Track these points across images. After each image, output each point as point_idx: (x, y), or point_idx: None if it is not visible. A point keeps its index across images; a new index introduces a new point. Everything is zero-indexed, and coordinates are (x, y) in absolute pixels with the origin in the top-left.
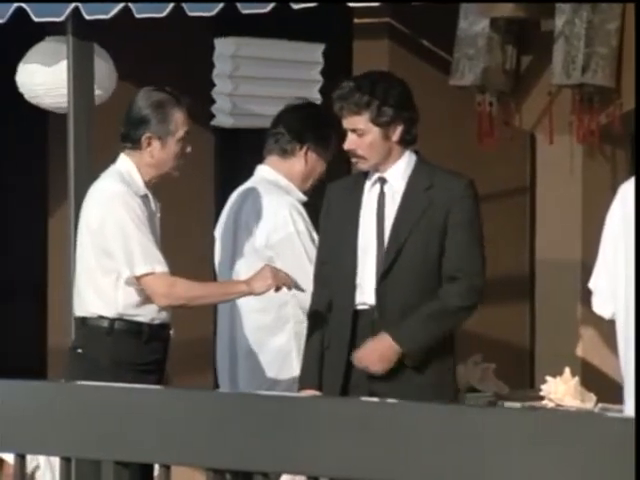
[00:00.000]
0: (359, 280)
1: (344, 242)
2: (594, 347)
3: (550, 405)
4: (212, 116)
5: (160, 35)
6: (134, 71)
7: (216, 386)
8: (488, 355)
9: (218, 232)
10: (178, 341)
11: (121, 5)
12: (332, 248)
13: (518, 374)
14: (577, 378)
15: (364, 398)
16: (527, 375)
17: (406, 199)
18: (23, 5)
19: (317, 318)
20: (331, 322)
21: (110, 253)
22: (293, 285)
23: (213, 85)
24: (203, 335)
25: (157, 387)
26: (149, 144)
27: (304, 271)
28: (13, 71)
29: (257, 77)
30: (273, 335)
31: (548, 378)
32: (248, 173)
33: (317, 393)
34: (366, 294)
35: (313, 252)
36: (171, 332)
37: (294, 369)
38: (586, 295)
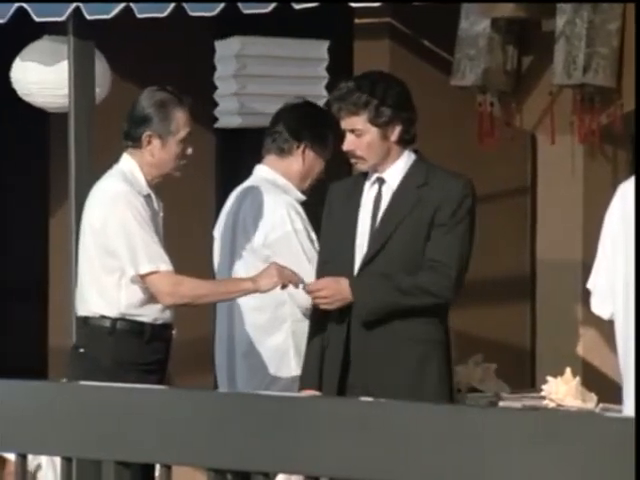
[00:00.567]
0: None
1: (343, 242)
2: (595, 347)
3: (551, 405)
4: (214, 117)
5: (161, 35)
6: (135, 71)
7: (216, 386)
8: (489, 355)
9: (217, 232)
10: (180, 341)
11: (122, 5)
12: (332, 249)
13: (519, 374)
14: (578, 378)
15: (364, 398)
16: (528, 375)
17: (397, 195)
18: (24, 5)
19: (318, 318)
20: (330, 321)
21: (113, 252)
22: (300, 282)
23: (214, 86)
24: (204, 335)
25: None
26: (149, 142)
27: (301, 270)
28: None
29: (263, 75)
30: (270, 334)
31: (549, 378)
32: (249, 173)
33: (317, 393)
34: None
35: (311, 251)
36: (173, 332)
37: (292, 368)
38: (587, 295)
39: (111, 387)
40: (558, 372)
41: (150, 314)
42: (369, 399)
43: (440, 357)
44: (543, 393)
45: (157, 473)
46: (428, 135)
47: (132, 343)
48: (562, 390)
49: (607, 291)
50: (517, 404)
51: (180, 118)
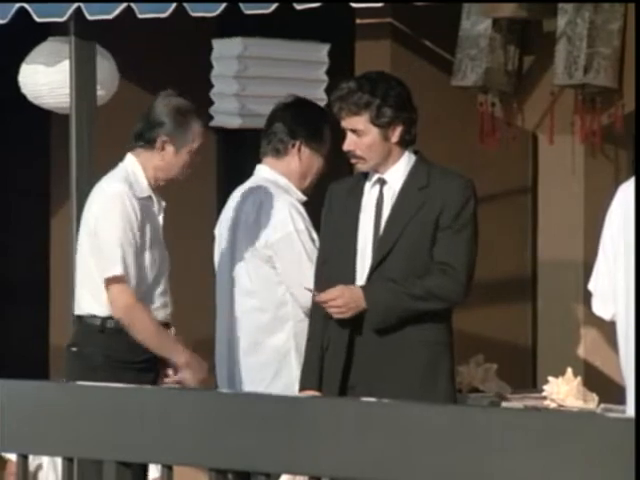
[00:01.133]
0: (358, 282)
1: (344, 243)
2: (596, 347)
3: (552, 405)
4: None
5: (162, 35)
6: (136, 71)
7: (216, 386)
8: (490, 355)
9: (218, 231)
10: (180, 341)
11: (123, 5)
12: (332, 249)
13: (520, 374)
14: (579, 378)
15: (364, 398)
16: (529, 375)
17: (400, 198)
18: (25, 5)
19: (318, 319)
20: (331, 322)
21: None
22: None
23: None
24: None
25: (159, 387)
26: (163, 148)
27: (303, 270)
28: (15, 71)
29: (264, 77)
30: (272, 334)
31: (550, 378)
32: (250, 174)
33: (317, 394)
34: None
35: (312, 251)
36: (171, 331)
37: (293, 368)
38: (588, 295)
39: (112, 387)
40: (559, 372)
41: None
42: (370, 399)
43: (449, 359)
44: (544, 393)
45: (151, 475)
46: (429, 135)
47: (122, 341)
48: (563, 390)
49: (608, 292)
50: (518, 404)
51: (196, 129)
